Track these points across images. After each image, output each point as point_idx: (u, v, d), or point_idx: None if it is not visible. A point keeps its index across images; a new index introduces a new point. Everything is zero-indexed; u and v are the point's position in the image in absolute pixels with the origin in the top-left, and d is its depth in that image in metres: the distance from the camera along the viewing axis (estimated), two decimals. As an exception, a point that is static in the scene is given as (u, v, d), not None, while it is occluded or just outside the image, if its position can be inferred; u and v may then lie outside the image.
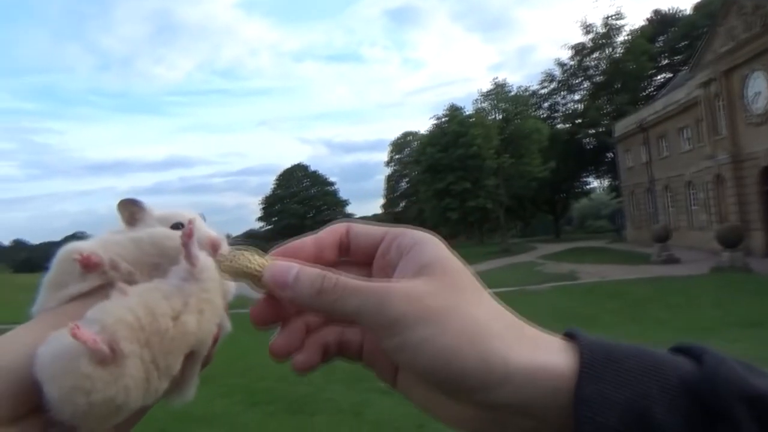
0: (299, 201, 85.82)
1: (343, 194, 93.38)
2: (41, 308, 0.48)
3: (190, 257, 0.47)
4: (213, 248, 0.50)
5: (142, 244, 0.50)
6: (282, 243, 0.53)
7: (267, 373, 7.55)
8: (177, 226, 0.50)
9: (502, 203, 40.24)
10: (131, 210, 0.53)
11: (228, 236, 0.55)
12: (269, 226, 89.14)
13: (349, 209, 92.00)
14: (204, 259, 0.48)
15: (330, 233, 0.52)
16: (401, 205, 75.87)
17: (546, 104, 49.67)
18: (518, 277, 20.84)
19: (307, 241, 0.52)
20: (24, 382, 0.42)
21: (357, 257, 0.52)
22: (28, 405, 0.43)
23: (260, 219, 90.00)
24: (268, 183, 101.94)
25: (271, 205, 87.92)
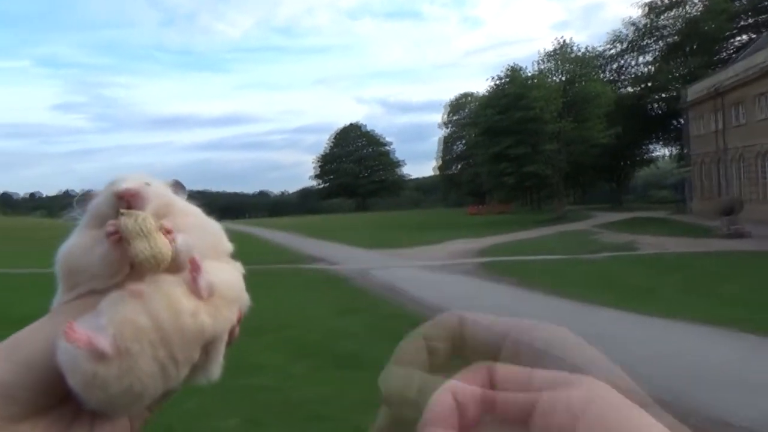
0: (354, 160, 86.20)
1: (398, 155, 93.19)
2: (59, 300, 0.50)
3: (197, 292, 0.48)
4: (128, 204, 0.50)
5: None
6: None
7: (318, 328, 7.78)
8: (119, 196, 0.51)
9: (561, 169, 39.14)
10: (88, 197, 0.54)
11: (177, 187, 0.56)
12: (324, 185, 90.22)
13: (403, 170, 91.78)
14: (209, 284, 0.49)
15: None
16: (456, 167, 75.00)
17: (613, 66, 47.42)
18: (572, 245, 20.38)
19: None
20: (48, 375, 0.45)
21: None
22: (56, 396, 0.45)
23: (315, 177, 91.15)
24: (324, 141, 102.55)
25: (326, 164, 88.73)
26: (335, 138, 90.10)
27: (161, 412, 0.52)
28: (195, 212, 0.55)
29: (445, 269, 15.04)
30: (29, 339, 0.47)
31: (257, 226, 43.61)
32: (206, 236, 0.53)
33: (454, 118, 72.11)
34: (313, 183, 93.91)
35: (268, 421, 4.37)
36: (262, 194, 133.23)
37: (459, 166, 74.13)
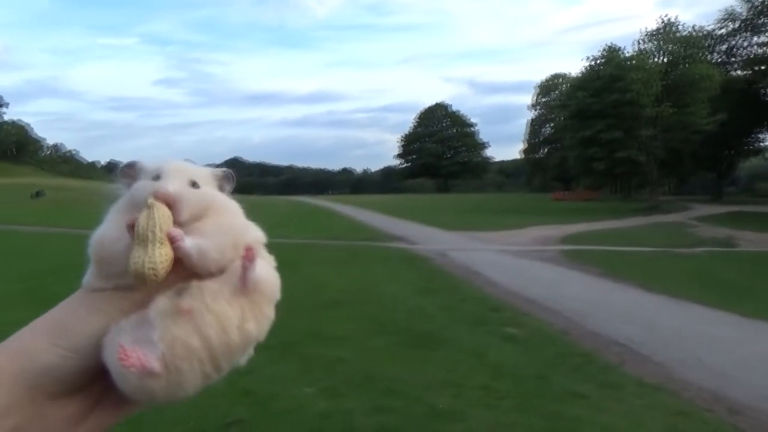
0: (438, 141, 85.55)
1: (482, 136, 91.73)
2: (90, 283, 0.52)
3: (244, 281, 0.50)
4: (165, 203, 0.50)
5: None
6: None
7: (396, 305, 7.86)
8: (156, 177, 0.52)
9: (657, 156, 36.91)
10: (132, 168, 0.55)
11: (219, 172, 0.57)
12: (406, 164, 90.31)
13: (487, 152, 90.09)
14: (257, 281, 0.51)
15: None
16: (543, 151, 72.66)
17: (722, 47, 43.74)
18: (666, 237, 19.28)
19: None
20: (93, 361, 0.49)
21: None
22: (92, 377, 0.50)
23: (398, 156, 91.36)
24: (408, 121, 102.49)
25: (410, 143, 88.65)
26: (420, 117, 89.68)
27: (241, 375, 0.54)
28: (231, 211, 0.55)
29: (527, 255, 14.70)
30: (75, 324, 0.50)
31: (339, 203, 44.47)
32: (231, 234, 0.53)
33: (544, 99, 69.60)
34: (396, 162, 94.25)
35: (344, 391, 4.47)
36: (346, 171, 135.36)
37: (545, 150, 71.76)
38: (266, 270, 0.53)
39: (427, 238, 18.77)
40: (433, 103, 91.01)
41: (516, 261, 13.55)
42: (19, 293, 7.92)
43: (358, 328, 6.54)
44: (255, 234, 0.56)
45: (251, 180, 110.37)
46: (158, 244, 0.47)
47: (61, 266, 9.19)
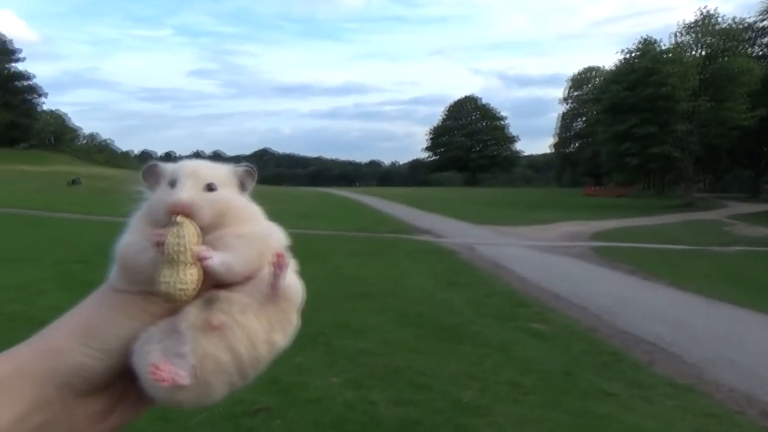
0: (467, 134, 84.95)
1: (512, 130, 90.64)
2: (116, 283, 0.53)
3: (275, 288, 0.51)
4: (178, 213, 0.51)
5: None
6: None
7: (422, 298, 7.85)
8: (173, 183, 0.52)
9: (692, 152, 36.02)
10: (153, 171, 0.55)
11: (247, 169, 0.57)
12: (434, 157, 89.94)
13: (517, 146, 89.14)
14: (287, 288, 0.52)
15: None
16: (573, 145, 71.54)
17: (763, 40, 42.35)
18: (700, 235, 18.82)
19: None
20: (121, 362, 0.51)
21: None
22: (118, 376, 0.52)
23: (426, 149, 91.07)
24: (437, 114, 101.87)
25: (439, 136, 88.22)
26: (449, 110, 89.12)
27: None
28: (251, 216, 0.55)
29: (556, 250, 14.52)
30: (106, 326, 0.51)
31: (366, 195, 44.54)
32: (255, 244, 0.53)
33: (576, 93, 68.49)
34: (424, 155, 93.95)
35: (369, 383, 4.49)
36: (373, 164, 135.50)
37: (576, 145, 70.65)
38: (293, 277, 0.54)
39: (455, 232, 18.68)
40: (463, 95, 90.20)
41: (544, 256, 13.40)
42: (54, 279, 8.15)
43: (384, 320, 6.55)
44: (278, 238, 0.56)
45: (280, 171, 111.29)
46: (188, 265, 0.48)
47: (95, 253, 9.41)
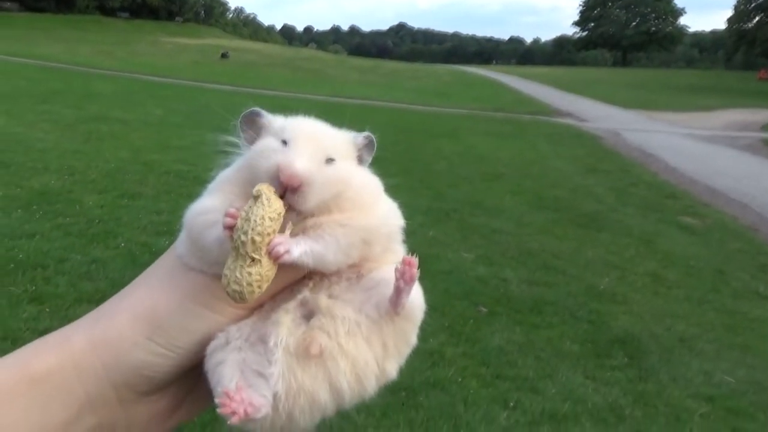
0: (624, 6, 76.11)
1: (678, 1, 79.25)
2: (187, 258, 0.45)
3: (397, 302, 0.41)
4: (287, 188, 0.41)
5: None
6: None
7: (559, 182, 7.55)
8: (284, 140, 0.43)
9: None
10: (254, 121, 0.46)
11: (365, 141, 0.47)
12: (583, 33, 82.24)
13: (682, 20, 78.30)
14: (411, 303, 0.43)
15: None
16: (753, 20, 61.21)
17: None
18: None
19: None
20: (188, 360, 0.44)
21: None
22: (182, 373, 0.45)
23: (575, 23, 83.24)
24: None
25: (591, 9, 79.91)
26: (605, -22, 79.50)
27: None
28: (368, 200, 0.45)
29: (717, 140, 13.05)
30: (177, 319, 0.43)
31: (505, 74, 42.47)
32: (364, 231, 0.44)
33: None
34: (571, 31, 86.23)
35: (501, 261, 4.52)
36: (513, 40, 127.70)
37: (757, 19, 60.39)
38: (416, 290, 0.44)
39: (600, 116, 17.40)
40: (624, -40, 79.45)
41: (702, 146, 12.13)
42: (212, 143, 8.87)
43: (518, 202, 6.44)
44: (394, 223, 0.48)
45: (416, 47, 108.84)
46: (248, 260, 0.38)
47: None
